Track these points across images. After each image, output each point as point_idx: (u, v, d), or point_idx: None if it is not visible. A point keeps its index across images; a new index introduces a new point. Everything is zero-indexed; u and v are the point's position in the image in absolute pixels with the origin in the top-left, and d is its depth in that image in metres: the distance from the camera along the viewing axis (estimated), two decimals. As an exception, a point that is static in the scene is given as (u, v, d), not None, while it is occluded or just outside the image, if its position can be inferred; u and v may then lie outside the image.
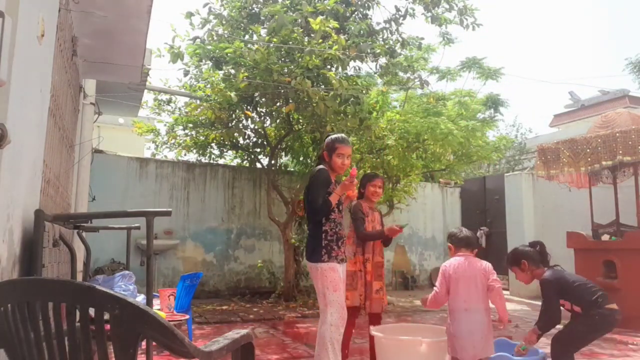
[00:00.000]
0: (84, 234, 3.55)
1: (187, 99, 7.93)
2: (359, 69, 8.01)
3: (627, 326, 5.62)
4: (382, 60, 7.18)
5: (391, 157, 7.81)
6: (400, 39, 7.46)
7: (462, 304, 2.94)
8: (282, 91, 6.31)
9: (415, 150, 7.98)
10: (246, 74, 6.17)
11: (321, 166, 3.29)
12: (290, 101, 6.48)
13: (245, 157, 8.98)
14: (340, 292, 3.12)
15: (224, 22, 7.15)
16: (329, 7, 6.66)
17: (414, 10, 7.31)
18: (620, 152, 5.82)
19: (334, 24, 6.23)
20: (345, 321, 3.15)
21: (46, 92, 2.44)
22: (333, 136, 3.37)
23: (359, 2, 7.35)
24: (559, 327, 3.13)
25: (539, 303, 3.21)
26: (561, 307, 3.09)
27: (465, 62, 8.08)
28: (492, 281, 2.95)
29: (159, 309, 3.71)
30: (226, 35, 6.92)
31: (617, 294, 5.94)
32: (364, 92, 7.05)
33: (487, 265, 3.06)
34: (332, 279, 3.08)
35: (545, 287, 3.13)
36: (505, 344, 3.46)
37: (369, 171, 8.65)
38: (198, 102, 7.31)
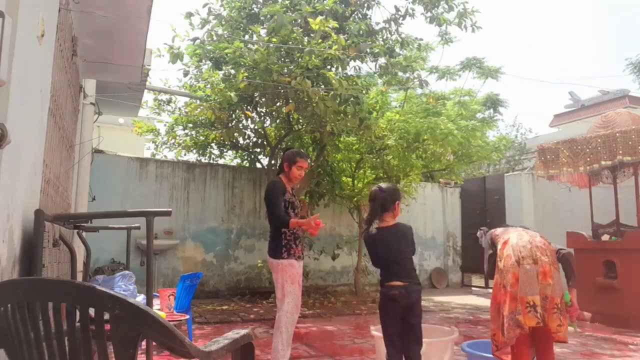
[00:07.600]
0: (84, 234, 3.55)
1: (187, 99, 7.93)
2: (359, 69, 8.01)
3: (627, 326, 5.62)
4: (382, 60, 7.17)
5: (391, 157, 7.81)
6: (399, 39, 7.46)
7: None
8: (282, 91, 6.30)
9: (415, 150, 7.97)
10: (246, 74, 6.17)
11: (277, 178, 3.73)
12: (290, 101, 6.48)
13: (245, 157, 8.98)
14: (297, 285, 3.54)
15: (223, 22, 7.15)
16: (328, 7, 6.65)
17: (413, 10, 7.30)
18: (620, 152, 5.82)
19: (333, 24, 6.23)
20: (299, 310, 3.58)
21: (46, 92, 2.44)
22: (294, 150, 3.80)
23: (359, 2, 7.35)
24: None
25: None
26: None
27: (465, 61, 8.06)
28: None
29: (159, 309, 3.71)
30: (226, 36, 6.92)
31: (617, 294, 5.95)
32: (363, 92, 7.05)
33: None
34: (290, 273, 3.52)
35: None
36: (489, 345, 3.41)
37: (368, 172, 8.68)
38: (198, 102, 7.31)
